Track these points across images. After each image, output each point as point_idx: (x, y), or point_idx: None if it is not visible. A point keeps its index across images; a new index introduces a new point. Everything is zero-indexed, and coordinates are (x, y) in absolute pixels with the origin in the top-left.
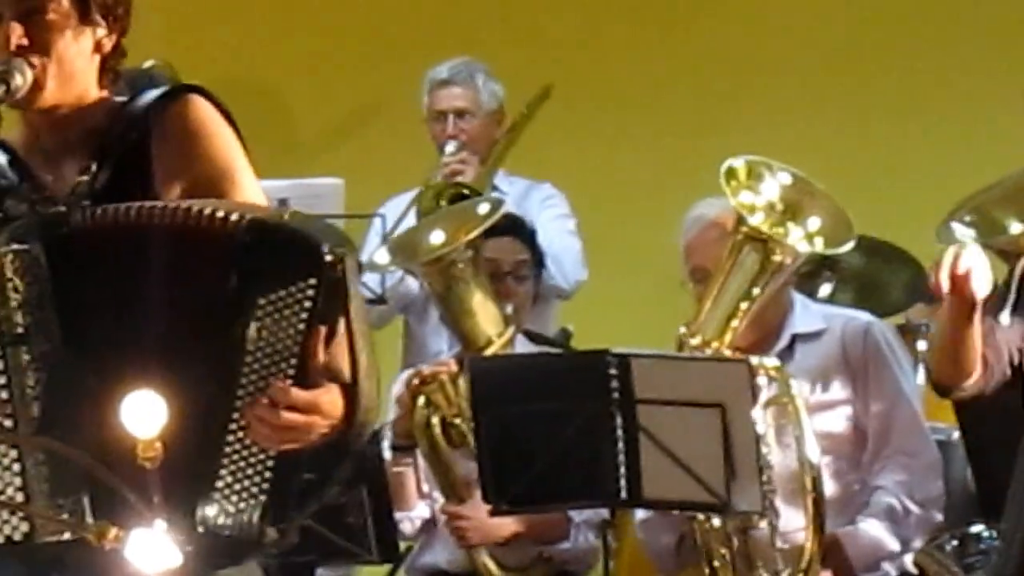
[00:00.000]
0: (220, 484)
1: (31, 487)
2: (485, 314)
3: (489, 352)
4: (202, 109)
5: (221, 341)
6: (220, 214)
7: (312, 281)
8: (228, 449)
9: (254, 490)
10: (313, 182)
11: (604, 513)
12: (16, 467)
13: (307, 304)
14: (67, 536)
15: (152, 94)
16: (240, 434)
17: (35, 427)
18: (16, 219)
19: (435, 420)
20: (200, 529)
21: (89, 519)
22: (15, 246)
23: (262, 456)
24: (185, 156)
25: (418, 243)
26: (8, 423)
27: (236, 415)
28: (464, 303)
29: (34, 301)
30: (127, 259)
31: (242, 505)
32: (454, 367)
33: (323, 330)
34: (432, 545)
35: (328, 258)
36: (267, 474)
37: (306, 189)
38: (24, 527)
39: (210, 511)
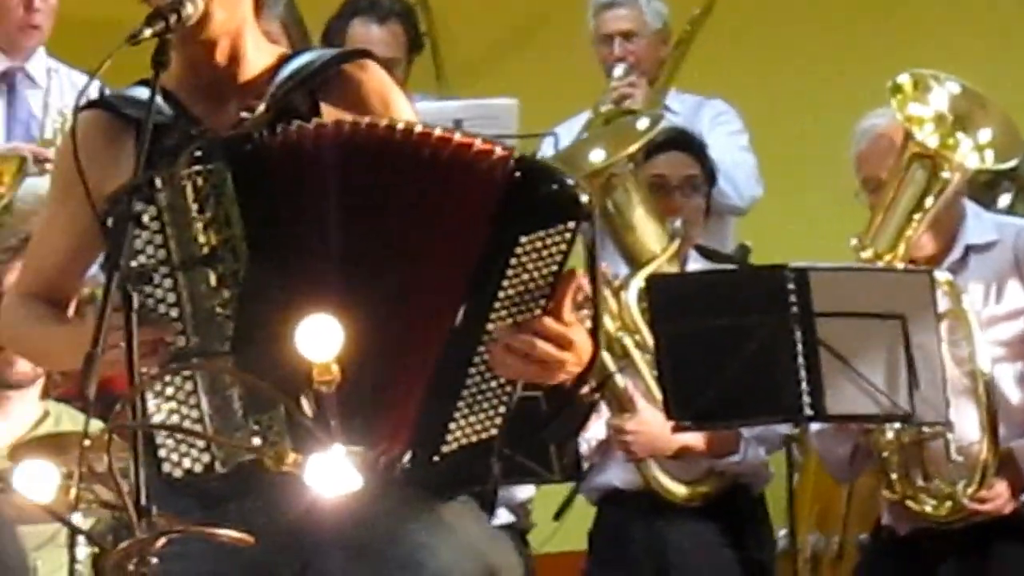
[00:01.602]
0: (457, 415)
1: (212, 414)
2: (648, 229)
3: (652, 267)
4: (380, 74)
5: (457, 272)
6: (418, 131)
7: (571, 225)
8: (469, 381)
9: (488, 423)
10: (488, 102)
11: (777, 428)
12: (196, 394)
13: (563, 247)
14: (247, 462)
15: (327, 51)
16: (483, 367)
17: (228, 347)
18: (186, 144)
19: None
20: (434, 459)
21: (274, 442)
22: (198, 166)
23: (503, 390)
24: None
25: (579, 160)
26: (190, 348)
27: (481, 348)
28: (626, 219)
29: (221, 220)
30: (315, 180)
31: (475, 438)
32: (617, 282)
33: (573, 274)
34: (607, 465)
35: (585, 203)
36: (503, 408)
37: (481, 109)
38: (205, 458)
39: (445, 440)
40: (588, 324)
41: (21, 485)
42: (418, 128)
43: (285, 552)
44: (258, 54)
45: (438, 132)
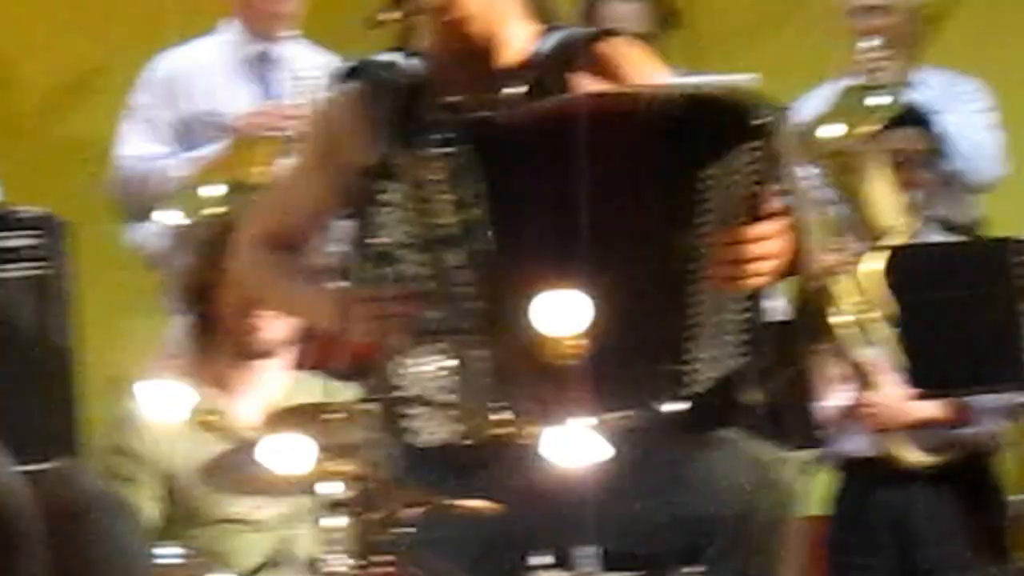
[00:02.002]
0: (702, 355)
1: (459, 387)
2: (886, 203)
3: (891, 240)
4: (630, 51)
5: (668, 222)
6: (647, 93)
7: (751, 145)
8: (702, 319)
9: (734, 352)
10: (728, 78)
11: (1014, 397)
12: (444, 369)
13: (749, 169)
14: (494, 434)
15: (577, 30)
16: (709, 301)
17: (472, 326)
18: (436, 125)
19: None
20: (691, 402)
21: (519, 414)
22: (447, 148)
23: (739, 316)
24: None
25: (818, 134)
26: (437, 324)
27: (696, 286)
28: (864, 193)
29: (464, 203)
30: (558, 153)
31: (724, 371)
32: (857, 256)
33: (764, 191)
34: (848, 433)
35: (761, 122)
36: (742, 335)
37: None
38: (454, 429)
39: (697, 380)
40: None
41: (271, 458)
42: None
43: (533, 520)
44: (512, 34)
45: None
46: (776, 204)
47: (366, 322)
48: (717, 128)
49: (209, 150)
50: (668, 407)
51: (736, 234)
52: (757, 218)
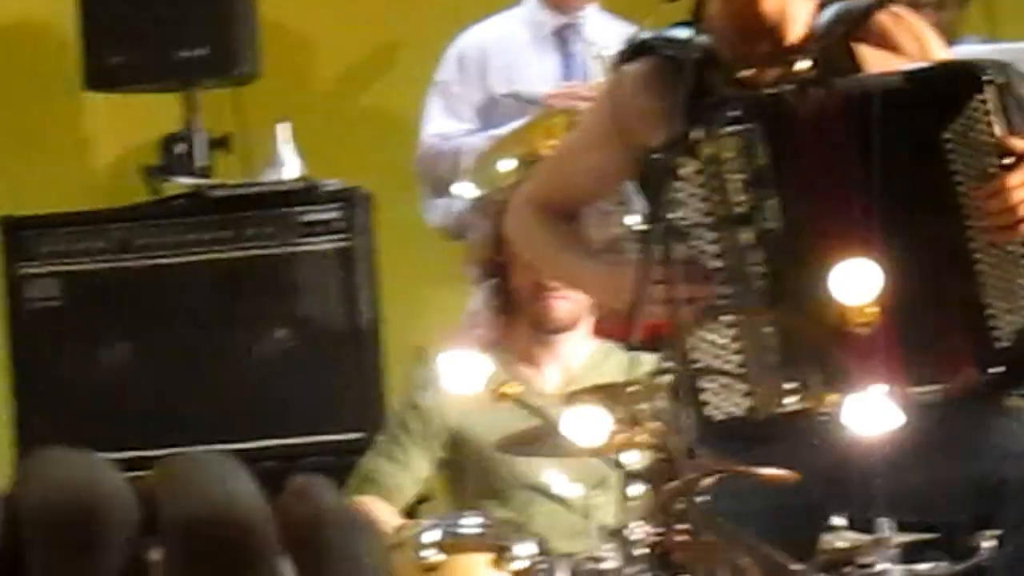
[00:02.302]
0: (993, 313)
1: (751, 362)
2: None
3: None
4: (912, 20)
5: (930, 187)
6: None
7: (980, 98)
8: (985, 276)
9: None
10: (1013, 47)
11: None
12: (735, 344)
13: (984, 121)
14: (788, 407)
15: (857, 2)
16: (986, 255)
17: (762, 303)
18: (727, 101)
19: None
20: (998, 359)
21: (812, 388)
22: (736, 126)
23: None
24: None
25: None
26: (727, 301)
27: (975, 243)
28: None
29: (755, 181)
30: (842, 133)
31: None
32: None
33: (1009, 138)
34: None
35: (983, 76)
36: None
37: (1007, 54)
38: (747, 402)
39: (998, 338)
40: None
41: (570, 428)
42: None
43: (829, 489)
44: (799, 9)
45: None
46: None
47: (661, 301)
48: (943, 91)
49: (507, 128)
50: (976, 372)
51: (996, 185)
52: (1012, 166)
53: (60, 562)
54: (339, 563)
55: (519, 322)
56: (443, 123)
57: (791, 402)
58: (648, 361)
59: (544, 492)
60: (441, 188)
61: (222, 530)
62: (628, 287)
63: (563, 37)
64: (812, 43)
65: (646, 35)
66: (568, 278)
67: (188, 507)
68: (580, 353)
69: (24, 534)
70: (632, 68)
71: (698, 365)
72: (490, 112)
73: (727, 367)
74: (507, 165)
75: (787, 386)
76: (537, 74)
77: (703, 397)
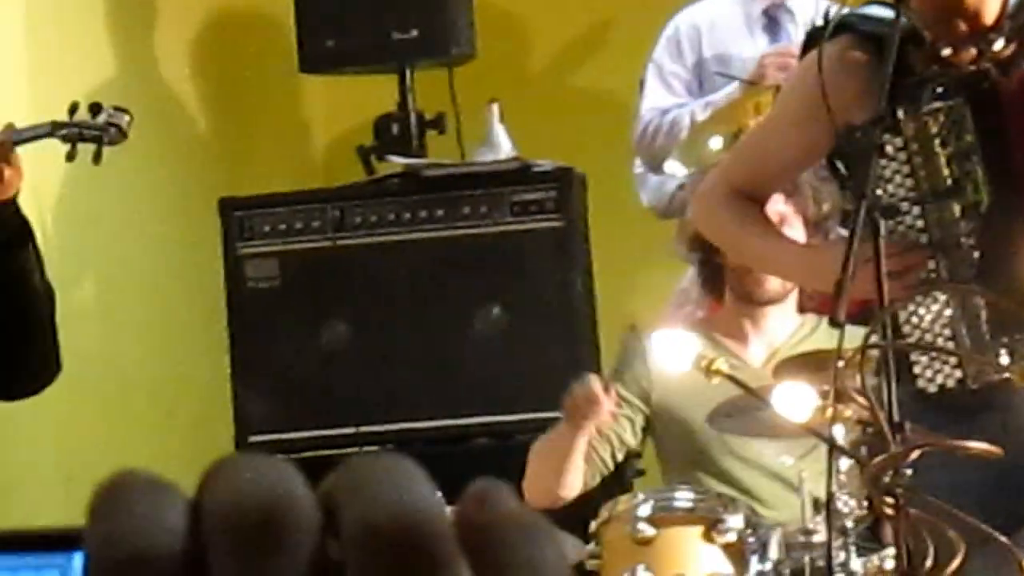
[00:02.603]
0: None
1: (961, 334)
2: None
3: None
4: None
5: None
6: None
7: None
8: None
9: None
10: None
11: None
12: (945, 317)
13: None
14: (997, 378)
15: None
16: None
17: (973, 275)
18: (931, 79)
19: None
20: None
21: (1020, 359)
22: (940, 102)
23: None
24: None
25: None
26: (936, 274)
27: None
28: None
29: (961, 156)
30: None
31: None
32: None
33: None
34: None
35: None
36: None
37: None
38: (957, 373)
39: None
40: None
41: (780, 404)
42: None
43: None
44: None
45: None
46: None
47: (865, 276)
48: None
49: (721, 94)
50: None
51: None
52: None
53: (243, 567)
54: (520, 571)
55: (728, 298)
56: (660, 99)
57: (1001, 373)
58: (855, 335)
59: (754, 463)
60: (658, 163)
61: (403, 535)
62: (828, 267)
63: (773, 17)
64: (1007, 23)
65: (845, 12)
66: (763, 262)
67: (369, 512)
68: (786, 328)
69: (207, 538)
70: (832, 46)
71: (906, 338)
72: (704, 90)
73: (938, 338)
74: (716, 143)
75: (996, 357)
76: (749, 53)
77: (914, 369)
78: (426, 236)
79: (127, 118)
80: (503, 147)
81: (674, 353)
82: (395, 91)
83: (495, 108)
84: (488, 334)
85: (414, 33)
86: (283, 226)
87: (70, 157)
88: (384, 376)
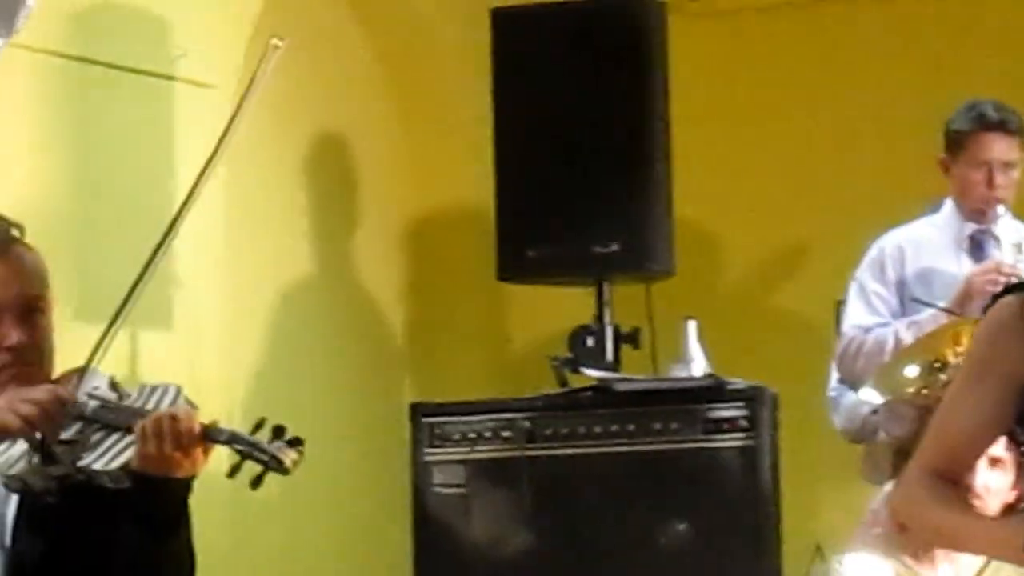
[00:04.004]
0: None
1: None
2: None
3: None
4: None
5: None
6: None
7: None
8: None
9: None
10: None
11: None
12: None
13: None
14: None
15: None
16: None
17: None
18: None
19: None
20: None
21: None
22: None
23: None
24: None
25: None
26: None
27: None
28: None
29: None
30: None
31: None
32: None
33: None
34: None
35: None
36: None
37: None
38: None
39: None
40: None
41: None
42: None
43: None
44: None
45: None
46: None
47: None
48: None
49: (926, 314)
50: None
51: None
52: None
53: None
54: None
55: None
56: (862, 317)
57: None
58: None
59: None
60: (857, 381)
61: None
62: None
63: (978, 241)
64: None
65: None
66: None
67: None
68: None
69: None
70: (1008, 300)
71: None
72: (905, 310)
73: None
74: (912, 371)
75: None
76: (953, 270)
77: None
78: (616, 450)
79: (295, 456)
80: (698, 364)
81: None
82: (592, 303)
83: (691, 325)
84: (673, 550)
85: (614, 247)
86: (472, 434)
87: (232, 473)
88: None
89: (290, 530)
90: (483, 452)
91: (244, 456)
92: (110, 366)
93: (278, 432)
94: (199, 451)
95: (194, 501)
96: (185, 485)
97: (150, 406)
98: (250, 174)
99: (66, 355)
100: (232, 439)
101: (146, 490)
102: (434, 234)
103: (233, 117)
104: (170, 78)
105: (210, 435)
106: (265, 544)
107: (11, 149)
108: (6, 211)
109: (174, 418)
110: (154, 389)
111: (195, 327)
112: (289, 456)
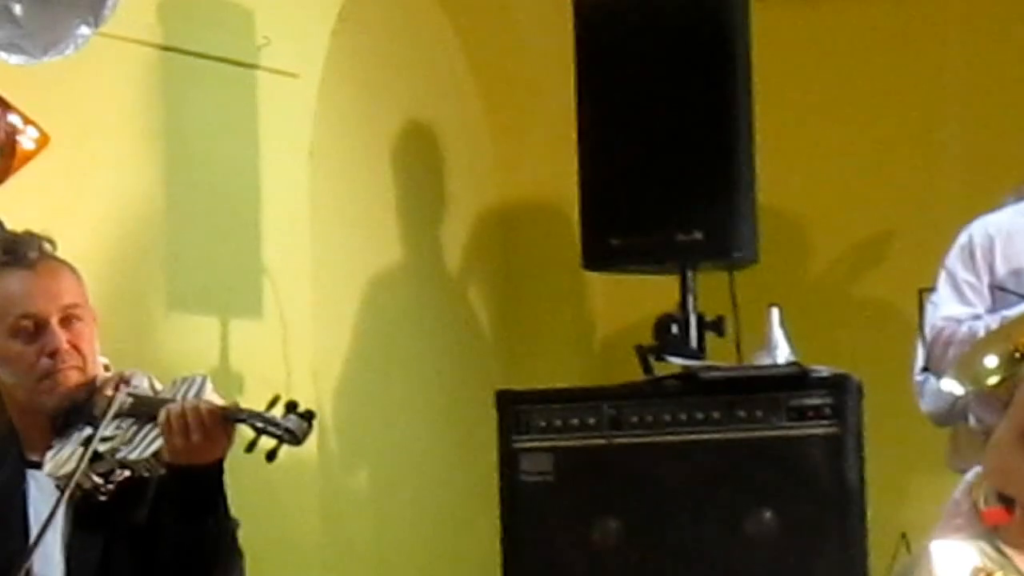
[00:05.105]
0: None
1: None
2: None
3: None
4: None
5: None
6: None
7: None
8: None
9: None
10: None
11: None
12: None
13: None
14: None
15: None
16: None
17: None
18: None
19: None
20: None
21: None
22: None
23: None
24: None
25: None
26: None
27: None
28: None
29: None
30: None
31: None
32: None
33: None
34: None
35: None
36: None
37: None
38: None
39: None
40: None
41: None
42: None
43: None
44: None
45: None
46: None
47: None
48: None
49: (1017, 310)
50: None
51: None
52: None
53: None
54: None
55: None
56: (953, 308)
57: None
58: None
59: None
60: (943, 373)
61: None
62: None
63: None
64: None
65: None
66: None
67: None
68: None
69: None
70: None
71: None
72: (996, 300)
73: None
74: (991, 361)
75: None
76: None
77: None
78: (702, 438)
79: (306, 427)
80: (782, 352)
81: (950, 566)
82: (676, 292)
83: (776, 312)
84: (759, 538)
85: (698, 235)
86: (559, 422)
87: (250, 448)
88: None
89: (379, 518)
90: (569, 440)
91: (259, 432)
92: (202, 356)
93: (291, 407)
94: (221, 433)
95: (285, 494)
96: (216, 467)
97: (178, 396)
98: (337, 164)
99: (157, 344)
100: (248, 417)
101: (179, 476)
102: (520, 224)
103: None
104: (254, 67)
105: (228, 416)
106: (355, 531)
107: (99, 139)
108: (96, 201)
109: (192, 409)
110: (184, 381)
111: (285, 317)
112: (301, 428)
